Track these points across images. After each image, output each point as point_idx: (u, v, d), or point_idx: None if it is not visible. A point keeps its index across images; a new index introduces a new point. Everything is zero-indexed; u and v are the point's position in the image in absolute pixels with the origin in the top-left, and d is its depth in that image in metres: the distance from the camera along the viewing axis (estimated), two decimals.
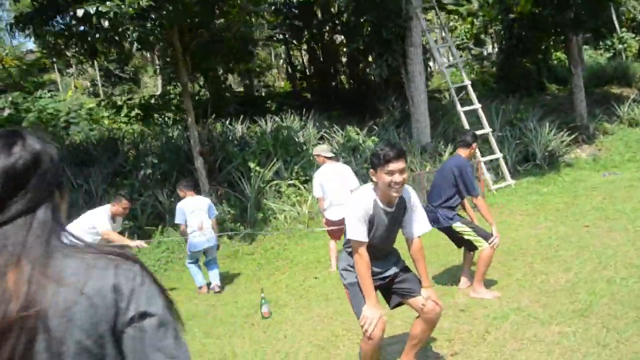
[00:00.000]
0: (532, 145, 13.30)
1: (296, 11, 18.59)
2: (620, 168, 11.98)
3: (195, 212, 7.04)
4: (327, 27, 19.00)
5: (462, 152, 5.34)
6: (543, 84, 24.84)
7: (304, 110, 16.42)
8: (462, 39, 31.78)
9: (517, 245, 6.93)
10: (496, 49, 27.60)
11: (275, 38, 21.20)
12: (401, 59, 13.09)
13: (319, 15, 18.64)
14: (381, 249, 3.57)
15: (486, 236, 5.13)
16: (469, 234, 5.16)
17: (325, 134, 13.99)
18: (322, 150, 7.12)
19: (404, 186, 3.39)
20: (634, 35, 28.37)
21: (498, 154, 11.69)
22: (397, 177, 3.26)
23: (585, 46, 31.09)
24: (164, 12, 8.42)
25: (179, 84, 12.76)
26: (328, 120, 15.97)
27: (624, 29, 28.08)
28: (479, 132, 11.82)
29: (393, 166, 3.25)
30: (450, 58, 31.86)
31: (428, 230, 3.65)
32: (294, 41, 21.10)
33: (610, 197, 8.99)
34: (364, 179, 12.02)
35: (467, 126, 11.80)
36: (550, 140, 13.39)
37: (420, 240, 3.60)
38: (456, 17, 26.26)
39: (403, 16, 12.46)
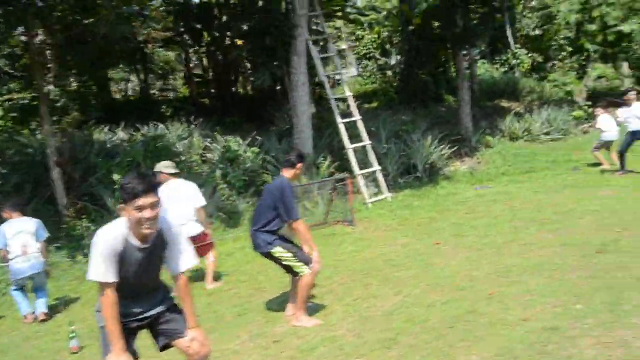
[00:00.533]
0: (415, 157, 13.49)
1: (195, 12, 17.93)
2: (494, 181, 12.34)
3: (19, 235, 6.37)
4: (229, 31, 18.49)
5: (287, 173, 5.09)
6: (441, 96, 25.69)
7: (200, 117, 15.90)
8: (369, 49, 32.17)
9: (366, 265, 6.82)
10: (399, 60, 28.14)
11: (174, 40, 20.42)
12: (285, 68, 12.87)
13: (221, 17, 18.10)
14: (140, 288, 3.22)
15: (307, 261, 4.90)
16: (287, 259, 4.91)
17: (208, 144, 13.50)
18: (163, 166, 6.68)
19: (160, 219, 3.06)
20: (526, 52, 29.82)
21: (375, 167, 11.71)
22: (148, 213, 2.94)
23: (483, 60, 32.66)
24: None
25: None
26: (223, 127, 15.51)
27: (517, 45, 29.46)
28: (359, 144, 11.96)
29: (142, 201, 2.92)
30: (355, 68, 32.26)
31: (193, 264, 3.34)
32: (193, 44, 20.39)
33: (471, 212, 9.17)
34: (239, 191, 11.85)
35: (346, 138, 11.74)
36: (432, 153, 13.65)
37: (184, 277, 3.27)
38: (361, 26, 26.56)
39: (287, 24, 12.24)
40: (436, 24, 16.86)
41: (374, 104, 25.97)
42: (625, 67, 19.26)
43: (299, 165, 5.10)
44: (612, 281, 4.96)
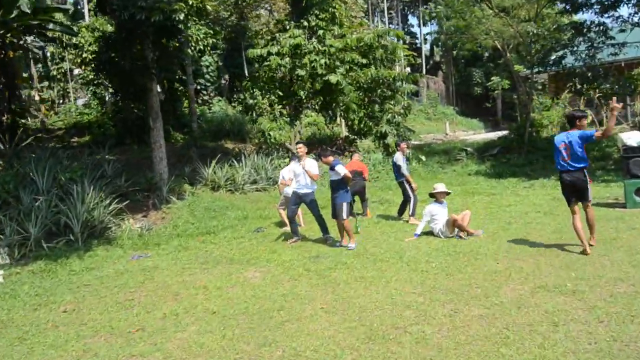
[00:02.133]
0: (70, 214, 10.56)
1: None
2: (164, 246, 10.07)
3: None
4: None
5: None
6: (168, 133, 23.30)
7: None
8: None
9: None
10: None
11: None
12: None
13: None
14: None
15: None
16: None
17: None
18: None
19: None
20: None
21: None
22: None
23: (219, 97, 31.37)
24: None
25: None
26: None
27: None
28: None
29: None
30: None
31: None
32: None
33: (77, 310, 6.60)
34: None
35: None
36: (93, 208, 10.90)
37: None
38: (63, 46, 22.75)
39: None
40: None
41: (87, 138, 22.36)
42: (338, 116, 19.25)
43: None
44: None
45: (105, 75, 15.07)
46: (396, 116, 18.15)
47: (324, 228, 9.23)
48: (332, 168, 8.54)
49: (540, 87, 20.82)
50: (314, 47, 17.57)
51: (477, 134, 36.61)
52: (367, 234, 9.48)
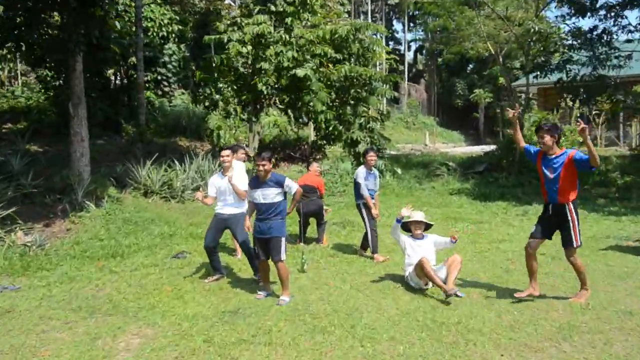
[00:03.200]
0: None
1: None
2: (46, 274, 7.50)
3: None
4: None
5: None
6: (118, 124, 20.63)
7: None
8: None
9: None
10: None
11: None
12: None
13: None
14: None
15: None
16: None
17: None
18: None
19: None
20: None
21: None
22: None
23: (183, 90, 28.64)
24: None
25: None
26: None
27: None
28: None
29: None
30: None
31: None
32: None
33: None
34: None
35: None
36: None
37: None
38: None
39: None
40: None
41: (22, 125, 19.53)
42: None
43: None
44: None
45: (11, 49, 12.29)
46: (370, 121, 15.79)
47: (254, 265, 6.76)
48: (274, 183, 5.99)
49: (532, 99, 18.68)
50: (281, 36, 15.13)
51: (458, 147, 34.60)
52: (316, 275, 7.03)
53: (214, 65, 15.44)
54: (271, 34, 15.26)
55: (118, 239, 9.32)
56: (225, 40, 15.24)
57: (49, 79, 21.70)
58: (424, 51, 55.03)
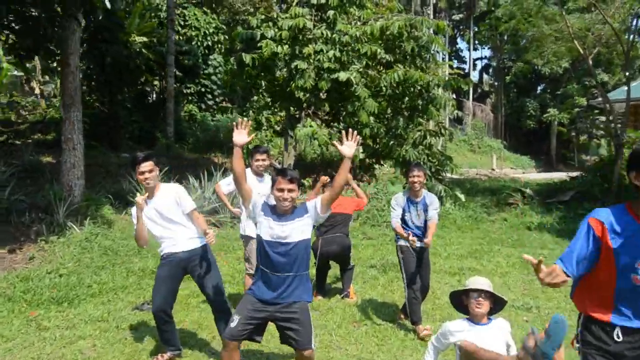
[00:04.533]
0: None
1: None
2: None
3: None
4: None
5: None
6: (151, 135, 18.90)
7: None
8: None
9: None
10: None
11: None
12: None
13: None
14: None
15: None
16: None
17: None
18: None
19: None
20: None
21: None
22: None
23: (229, 105, 26.77)
24: None
25: None
26: None
27: None
28: None
29: None
30: None
31: None
32: None
33: None
34: None
35: None
36: None
37: None
38: None
39: None
40: None
41: (51, 135, 18.04)
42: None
43: None
44: None
45: None
46: (428, 136, 13.03)
47: (222, 327, 4.24)
48: (302, 211, 3.71)
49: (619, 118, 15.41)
50: (322, 33, 12.75)
51: (528, 173, 31.01)
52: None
53: (244, 66, 13.17)
54: (310, 30, 12.91)
55: (82, 276, 7.02)
56: (258, 37, 13.00)
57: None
58: (490, 70, 51.55)
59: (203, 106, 23.84)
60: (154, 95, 23.50)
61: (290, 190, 3.55)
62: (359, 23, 13.63)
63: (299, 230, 3.58)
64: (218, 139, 19.87)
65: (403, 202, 5.25)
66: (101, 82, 18.44)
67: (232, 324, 3.58)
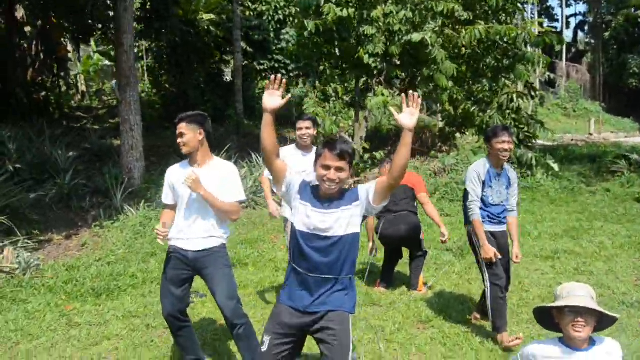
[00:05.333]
0: None
1: None
2: None
3: None
4: None
5: None
6: (223, 113, 18.69)
7: None
8: None
9: None
10: None
11: None
12: None
13: None
14: None
15: None
16: None
17: None
18: None
19: None
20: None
21: None
22: None
23: (306, 80, 26.06)
24: None
25: None
26: None
27: None
28: None
29: None
30: None
31: None
32: None
33: None
34: None
35: None
36: None
37: None
38: None
39: None
40: None
41: None
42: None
43: None
44: None
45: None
46: (515, 99, 11.56)
47: (253, 350, 3.45)
48: (350, 199, 2.82)
49: None
50: None
51: (631, 137, 27.94)
52: None
53: (307, 34, 12.30)
54: None
55: (129, 264, 6.58)
56: (322, 2, 12.05)
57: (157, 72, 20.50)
58: (585, 28, 47.26)
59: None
60: (230, 74, 23.26)
61: (338, 169, 2.67)
62: None
63: (345, 221, 2.71)
64: (291, 114, 19.28)
65: (484, 173, 4.19)
66: (171, 62, 18.36)
67: (263, 348, 2.77)
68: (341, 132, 12.29)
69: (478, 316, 4.50)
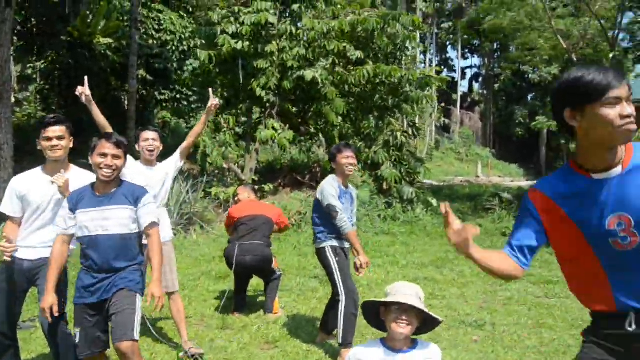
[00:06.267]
0: None
1: None
2: None
3: None
4: None
5: None
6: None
7: None
8: None
9: None
10: None
11: None
12: None
13: None
14: None
15: None
16: None
17: None
18: None
19: None
20: None
21: None
22: None
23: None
24: None
25: None
26: None
27: None
28: None
29: None
30: None
31: None
32: None
33: None
34: None
35: None
36: None
37: None
38: None
39: None
40: None
41: None
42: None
43: None
44: None
45: None
46: (399, 136, 12.16)
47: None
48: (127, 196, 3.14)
49: None
50: (286, 28, 11.93)
51: (517, 181, 30.14)
52: None
53: (201, 64, 12.34)
54: (274, 25, 12.09)
55: None
56: (219, 33, 12.17)
57: None
58: (479, 79, 51.00)
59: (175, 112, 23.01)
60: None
61: (115, 157, 2.99)
62: (327, 18, 12.82)
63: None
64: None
65: (337, 189, 4.29)
66: (62, 85, 17.61)
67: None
68: (230, 163, 12.26)
69: (325, 336, 4.55)
